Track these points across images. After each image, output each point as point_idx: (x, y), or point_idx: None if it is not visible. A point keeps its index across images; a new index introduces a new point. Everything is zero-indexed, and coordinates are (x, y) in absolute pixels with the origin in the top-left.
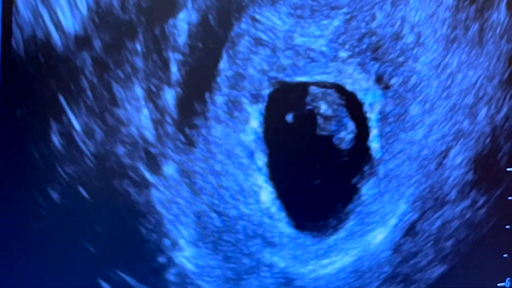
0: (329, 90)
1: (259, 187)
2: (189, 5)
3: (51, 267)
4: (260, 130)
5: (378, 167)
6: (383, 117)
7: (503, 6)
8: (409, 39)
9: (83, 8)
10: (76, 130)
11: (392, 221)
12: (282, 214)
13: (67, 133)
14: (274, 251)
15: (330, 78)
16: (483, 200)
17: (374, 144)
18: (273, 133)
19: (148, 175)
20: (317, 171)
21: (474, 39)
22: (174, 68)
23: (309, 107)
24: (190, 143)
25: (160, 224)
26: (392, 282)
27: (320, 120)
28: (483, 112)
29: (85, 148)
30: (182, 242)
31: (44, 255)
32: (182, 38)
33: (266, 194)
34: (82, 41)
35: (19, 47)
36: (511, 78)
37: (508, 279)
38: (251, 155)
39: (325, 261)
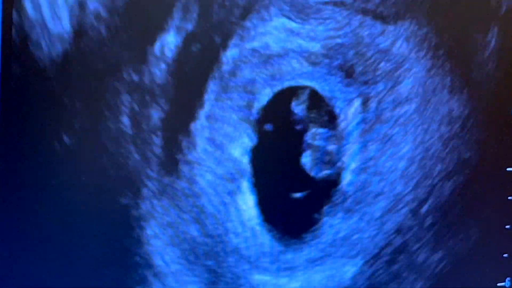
0: (316, 103)
1: (244, 204)
2: (177, 21)
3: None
4: (246, 146)
5: (364, 181)
6: (367, 131)
7: None
8: (401, 53)
9: (69, 28)
10: (66, 147)
11: (388, 227)
12: (266, 232)
13: (57, 149)
14: (257, 268)
15: (314, 86)
16: (483, 201)
17: (358, 159)
18: (259, 150)
19: (130, 194)
20: (302, 187)
21: None
22: (160, 84)
23: (298, 123)
24: (174, 161)
25: (140, 244)
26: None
27: (307, 136)
28: (481, 113)
29: (72, 166)
30: (161, 262)
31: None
32: (170, 53)
33: (251, 211)
34: (70, 61)
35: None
36: None
37: (508, 279)
38: (236, 173)
39: (309, 277)
